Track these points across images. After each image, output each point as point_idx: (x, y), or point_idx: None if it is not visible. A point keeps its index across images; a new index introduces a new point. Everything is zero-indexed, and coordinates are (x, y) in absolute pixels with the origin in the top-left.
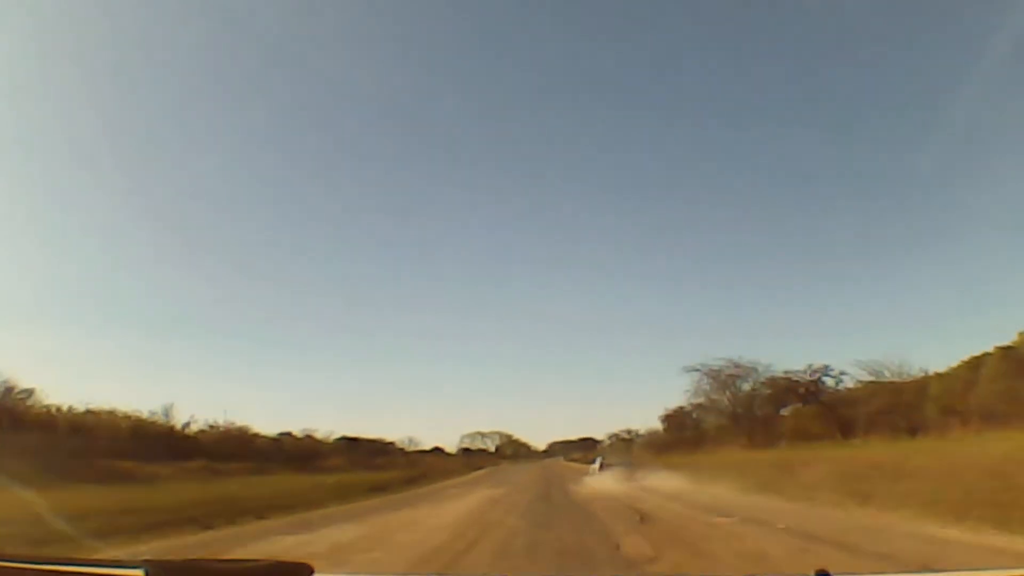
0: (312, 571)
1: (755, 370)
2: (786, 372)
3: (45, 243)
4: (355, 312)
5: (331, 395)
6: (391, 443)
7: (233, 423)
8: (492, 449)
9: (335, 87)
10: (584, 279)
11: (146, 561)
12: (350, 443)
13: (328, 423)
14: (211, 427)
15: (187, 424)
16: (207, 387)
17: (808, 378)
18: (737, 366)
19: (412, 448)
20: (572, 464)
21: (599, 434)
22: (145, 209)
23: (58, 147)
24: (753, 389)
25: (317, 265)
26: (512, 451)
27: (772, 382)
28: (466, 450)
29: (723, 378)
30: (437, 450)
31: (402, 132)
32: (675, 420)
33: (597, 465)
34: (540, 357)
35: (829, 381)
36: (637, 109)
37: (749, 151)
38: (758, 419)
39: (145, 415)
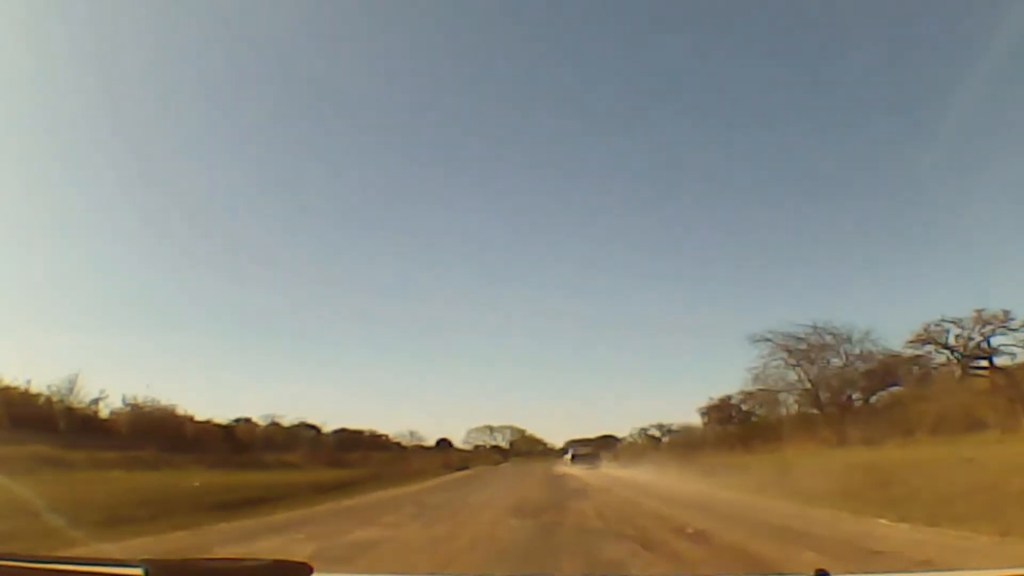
0: (312, 571)
1: (848, 339)
2: (944, 318)
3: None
4: (367, 305)
5: (336, 385)
6: (381, 436)
7: (156, 403)
8: (504, 445)
9: (340, 85)
10: (606, 264)
11: (145, 560)
12: (316, 434)
13: (333, 414)
14: (132, 407)
15: (95, 401)
16: (217, 380)
17: (971, 335)
18: (826, 333)
19: (412, 443)
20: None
21: (620, 431)
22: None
23: None
24: (845, 364)
25: (325, 256)
26: (526, 448)
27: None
28: (440, 443)
29: (803, 349)
30: (443, 444)
31: (417, 123)
32: (718, 413)
33: (569, 456)
34: (559, 351)
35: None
36: (628, 105)
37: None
38: (848, 405)
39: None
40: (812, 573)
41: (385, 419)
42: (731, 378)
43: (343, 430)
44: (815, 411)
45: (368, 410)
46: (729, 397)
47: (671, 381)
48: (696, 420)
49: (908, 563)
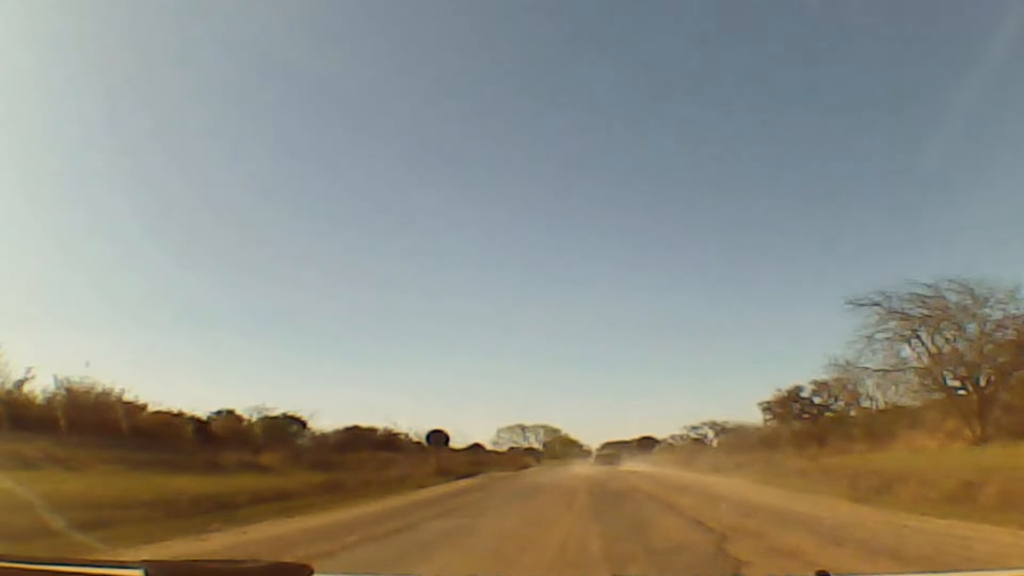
0: (312, 571)
1: (986, 300)
2: None
3: None
4: (397, 303)
5: (359, 383)
6: (398, 435)
7: (96, 387)
8: (538, 446)
9: (360, 83)
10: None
11: (145, 562)
12: (301, 430)
13: (353, 411)
14: (68, 391)
15: (20, 383)
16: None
17: None
18: (956, 292)
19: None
20: (657, 470)
21: (668, 430)
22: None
23: None
24: (982, 333)
25: (346, 250)
26: (561, 449)
27: None
28: (433, 439)
29: (925, 315)
30: (436, 439)
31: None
32: (783, 408)
33: (592, 459)
34: (597, 348)
35: None
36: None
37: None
38: (986, 388)
39: None
40: (812, 573)
41: (411, 417)
42: (795, 372)
43: (355, 427)
44: (938, 396)
45: (392, 407)
46: (798, 389)
47: (722, 377)
48: (754, 417)
49: None
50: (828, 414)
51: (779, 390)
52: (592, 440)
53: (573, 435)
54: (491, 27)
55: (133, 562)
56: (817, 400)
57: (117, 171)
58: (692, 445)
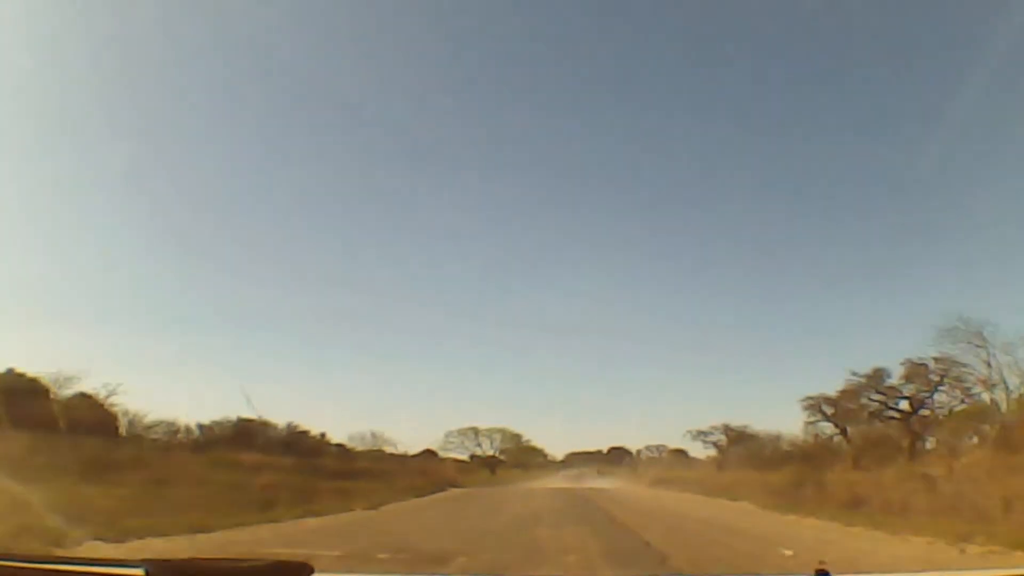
0: (312, 571)
1: None
2: None
3: None
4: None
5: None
6: (306, 433)
7: None
8: (494, 453)
9: (339, 84)
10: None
11: (146, 560)
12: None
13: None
14: None
15: None
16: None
17: None
18: None
19: (370, 447)
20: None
21: (635, 444)
22: None
23: None
24: None
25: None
26: (522, 458)
27: None
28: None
29: None
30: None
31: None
32: (848, 404)
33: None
34: (567, 343)
35: None
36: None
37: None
38: None
39: None
40: (812, 572)
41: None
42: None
43: (241, 421)
44: None
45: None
46: (881, 374)
47: (717, 383)
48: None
49: None
50: (923, 412)
51: (854, 375)
52: (557, 449)
53: (536, 442)
54: (490, 28)
55: (133, 561)
56: (907, 390)
57: None
58: (672, 458)
